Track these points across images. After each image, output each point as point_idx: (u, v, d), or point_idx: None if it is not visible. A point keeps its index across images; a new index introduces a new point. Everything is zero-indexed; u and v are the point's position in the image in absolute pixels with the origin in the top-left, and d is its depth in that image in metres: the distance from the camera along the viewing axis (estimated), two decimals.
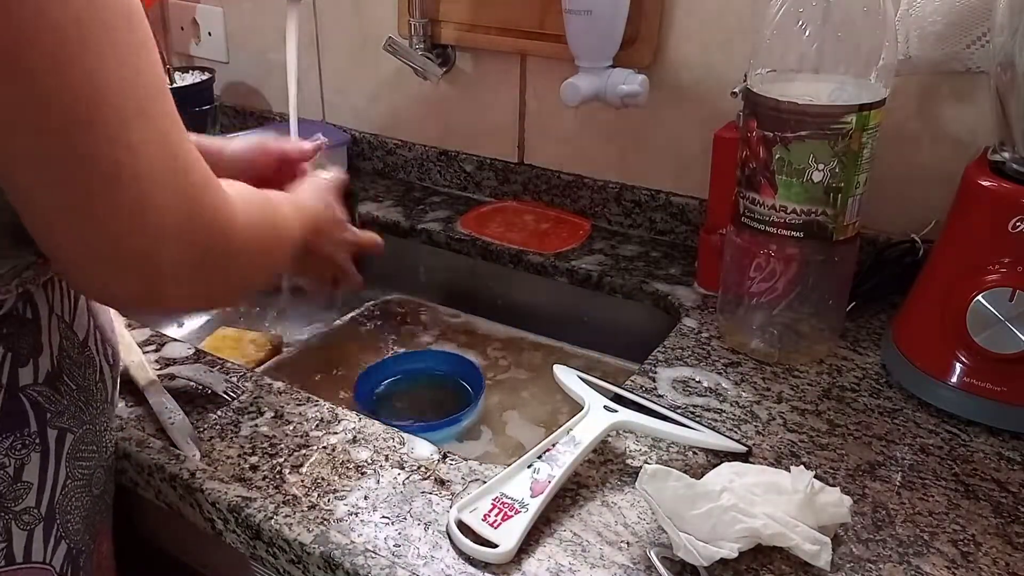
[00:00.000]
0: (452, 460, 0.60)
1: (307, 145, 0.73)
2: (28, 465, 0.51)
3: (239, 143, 0.70)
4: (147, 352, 0.73)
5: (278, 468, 0.59)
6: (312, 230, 0.62)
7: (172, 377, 0.70)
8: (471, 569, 0.51)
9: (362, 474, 0.59)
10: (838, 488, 0.54)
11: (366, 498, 0.57)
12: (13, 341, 0.49)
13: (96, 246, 0.40)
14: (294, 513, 0.55)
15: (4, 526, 0.50)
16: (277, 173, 0.70)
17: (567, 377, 0.66)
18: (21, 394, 0.50)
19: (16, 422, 0.50)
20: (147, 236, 0.40)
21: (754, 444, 0.62)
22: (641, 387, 0.69)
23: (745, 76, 0.69)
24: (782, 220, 0.68)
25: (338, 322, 1.00)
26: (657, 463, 0.59)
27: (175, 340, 0.76)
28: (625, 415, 0.60)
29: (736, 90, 0.74)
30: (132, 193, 0.39)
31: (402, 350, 0.94)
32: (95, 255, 0.41)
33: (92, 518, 0.57)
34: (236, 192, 0.47)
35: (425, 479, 0.58)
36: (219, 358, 0.73)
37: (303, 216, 0.60)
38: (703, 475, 0.54)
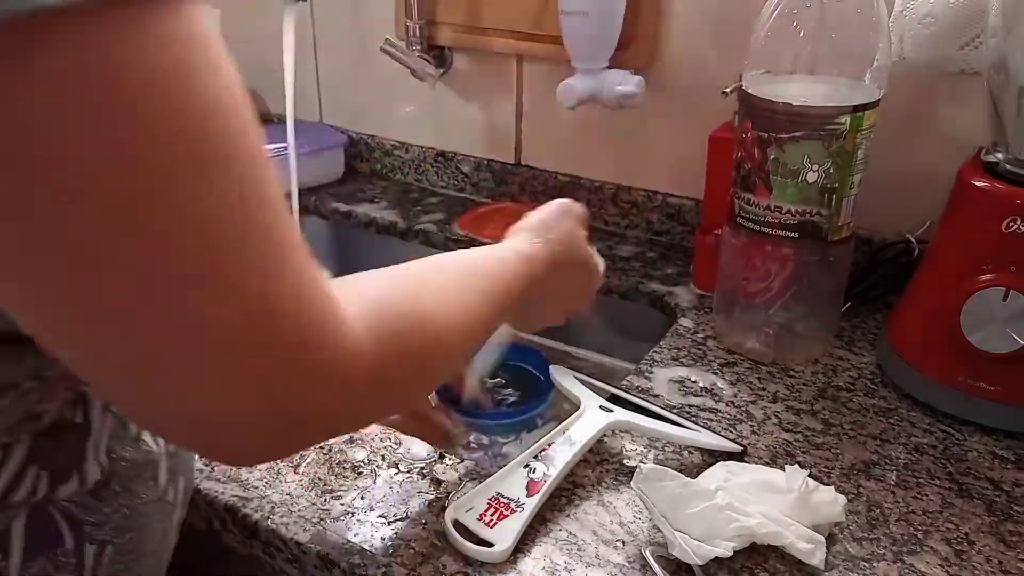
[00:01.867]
0: (448, 460, 0.60)
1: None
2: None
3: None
4: None
5: (275, 468, 0.59)
6: (551, 267, 0.53)
7: None
8: (467, 568, 0.51)
9: (359, 474, 0.59)
10: (832, 487, 0.55)
11: (362, 498, 0.57)
12: (53, 456, 0.40)
13: (152, 404, 0.32)
14: (291, 513, 0.55)
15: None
16: None
17: (563, 377, 0.66)
18: (52, 506, 0.40)
19: (47, 540, 0.41)
20: (219, 417, 0.31)
21: (749, 443, 0.62)
22: (637, 387, 0.69)
23: (740, 77, 0.69)
24: (777, 220, 0.68)
25: None
26: (653, 463, 0.60)
27: None
28: (621, 415, 0.61)
29: (727, 90, 0.75)
30: (191, 366, 0.29)
31: None
32: (152, 413, 0.32)
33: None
34: (373, 308, 0.36)
35: (421, 478, 0.59)
36: None
37: (533, 263, 0.51)
38: (698, 474, 0.55)
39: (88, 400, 0.41)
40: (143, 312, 0.28)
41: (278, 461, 0.60)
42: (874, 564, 0.52)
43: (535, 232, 0.57)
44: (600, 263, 0.63)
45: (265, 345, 0.30)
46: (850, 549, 0.53)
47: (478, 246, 0.94)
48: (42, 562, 0.40)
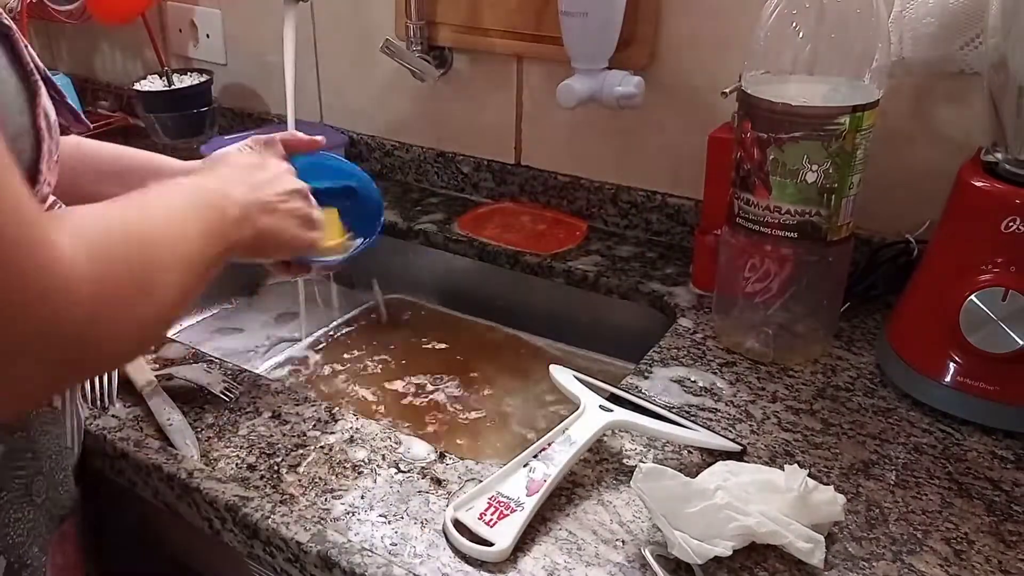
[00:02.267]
0: (449, 459, 0.60)
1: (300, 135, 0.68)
2: None
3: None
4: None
5: (275, 468, 0.60)
6: (241, 222, 0.54)
7: (170, 377, 0.70)
8: (467, 567, 0.51)
9: (359, 473, 0.59)
10: (832, 487, 0.55)
11: (363, 497, 0.57)
12: None
13: None
14: (291, 512, 0.55)
15: None
16: None
17: (563, 377, 0.66)
18: None
19: None
20: None
21: (749, 443, 0.62)
22: (637, 387, 0.70)
23: (740, 77, 0.69)
24: (776, 221, 0.68)
25: (335, 322, 1.00)
26: (652, 462, 0.60)
27: (174, 341, 0.76)
28: (621, 414, 0.61)
29: (727, 90, 0.75)
30: None
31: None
32: None
33: (38, 529, 0.53)
34: (89, 232, 0.38)
35: (422, 478, 0.59)
36: (217, 358, 0.74)
37: (222, 215, 0.52)
38: (698, 474, 0.55)
39: None
40: None
41: (276, 461, 0.60)
42: (873, 564, 0.52)
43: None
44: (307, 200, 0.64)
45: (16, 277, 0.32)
46: (849, 548, 0.53)
47: (478, 247, 0.94)
48: None
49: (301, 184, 0.64)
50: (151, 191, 0.48)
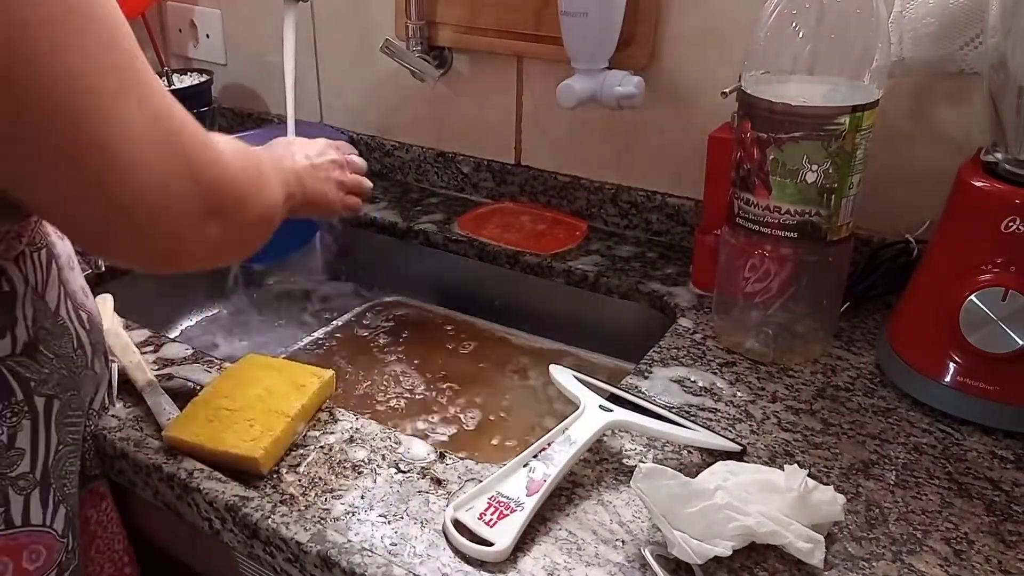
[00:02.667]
0: (449, 459, 0.60)
1: None
2: (20, 432, 0.53)
3: None
4: (145, 352, 0.73)
5: (275, 468, 0.60)
6: (296, 182, 0.66)
7: (170, 377, 0.70)
8: (467, 567, 0.51)
9: (359, 473, 0.59)
10: (832, 487, 0.55)
11: (363, 497, 0.57)
12: None
13: (110, 218, 0.43)
14: (291, 512, 0.55)
15: (1, 492, 0.53)
16: None
17: (563, 377, 0.66)
18: (1, 365, 0.52)
19: (1, 392, 0.52)
20: (153, 195, 0.43)
21: (748, 443, 0.62)
22: (636, 387, 0.70)
23: (740, 77, 0.69)
24: (776, 221, 0.68)
25: (337, 322, 1.00)
26: (652, 462, 0.60)
27: (173, 340, 0.76)
28: (620, 414, 0.61)
29: (727, 90, 0.75)
30: (126, 160, 0.41)
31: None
32: (112, 227, 0.44)
33: (78, 484, 0.60)
34: (224, 143, 0.50)
35: (422, 478, 0.59)
36: (217, 358, 0.74)
37: (281, 175, 0.62)
38: (698, 474, 0.55)
39: (9, 273, 0.53)
40: (60, 143, 0.40)
41: (278, 461, 0.60)
42: (873, 564, 0.52)
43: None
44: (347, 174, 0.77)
45: (166, 145, 0.44)
46: (849, 548, 0.53)
47: (478, 247, 0.95)
48: (1, 408, 0.52)
49: (339, 155, 0.77)
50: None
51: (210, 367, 0.72)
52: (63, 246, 0.61)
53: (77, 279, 0.61)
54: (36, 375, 0.54)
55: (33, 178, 0.42)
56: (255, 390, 0.64)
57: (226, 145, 0.50)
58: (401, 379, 0.89)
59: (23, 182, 0.43)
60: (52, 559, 0.56)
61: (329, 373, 0.68)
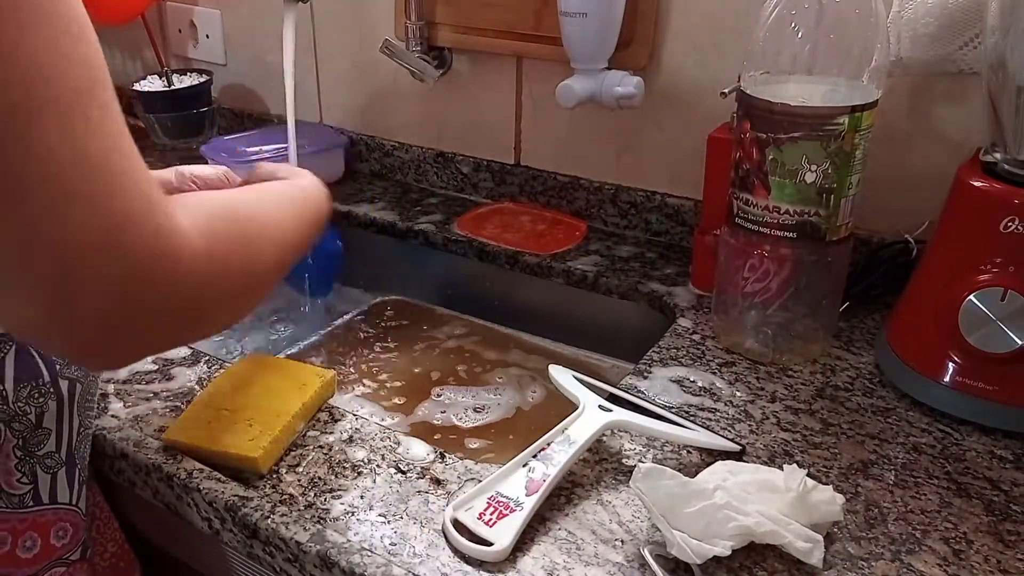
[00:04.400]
0: (448, 459, 0.61)
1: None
2: (47, 413, 0.55)
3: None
4: None
5: (275, 467, 0.60)
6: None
7: (170, 378, 0.70)
8: (467, 567, 0.51)
9: (358, 473, 0.59)
10: (831, 486, 0.55)
11: (362, 497, 0.57)
12: None
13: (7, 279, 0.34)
14: (290, 512, 0.55)
15: (30, 469, 0.55)
16: None
17: (562, 377, 0.66)
18: (29, 346, 0.53)
19: (31, 372, 0.53)
20: (57, 265, 0.33)
21: (748, 443, 0.62)
22: (636, 387, 0.70)
23: (739, 77, 0.69)
24: (775, 221, 0.68)
25: (337, 321, 1.00)
26: (651, 462, 0.60)
27: None
28: (620, 414, 0.61)
29: (726, 91, 0.75)
30: (38, 205, 0.32)
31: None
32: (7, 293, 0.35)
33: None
34: (204, 215, 0.40)
35: (421, 478, 0.59)
36: (217, 358, 0.74)
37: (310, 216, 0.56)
38: (697, 474, 0.55)
39: None
40: (21, 230, 0.32)
41: (277, 461, 0.60)
42: (872, 563, 0.52)
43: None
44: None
45: (120, 251, 0.34)
46: (848, 548, 0.53)
47: (477, 247, 0.94)
48: (30, 389, 0.53)
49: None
50: (244, 189, 0.53)
51: (210, 367, 0.72)
52: None
53: None
54: (61, 358, 0.55)
55: None
56: (255, 390, 0.64)
57: (208, 216, 0.40)
58: (401, 379, 0.89)
59: None
60: (77, 537, 0.58)
61: (330, 373, 0.68)
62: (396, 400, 0.85)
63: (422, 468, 0.60)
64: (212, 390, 0.64)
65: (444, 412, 0.83)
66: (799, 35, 0.64)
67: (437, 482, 0.58)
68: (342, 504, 0.56)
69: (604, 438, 0.63)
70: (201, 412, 0.62)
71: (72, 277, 0.34)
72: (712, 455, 0.60)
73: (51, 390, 0.55)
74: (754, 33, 0.67)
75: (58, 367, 0.55)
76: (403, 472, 0.59)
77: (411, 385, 0.88)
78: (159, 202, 0.36)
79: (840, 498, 0.54)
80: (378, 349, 0.95)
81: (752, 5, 0.68)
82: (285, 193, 0.55)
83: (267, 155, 1.07)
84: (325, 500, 0.57)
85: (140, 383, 0.69)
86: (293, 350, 0.94)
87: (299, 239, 0.52)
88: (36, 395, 0.54)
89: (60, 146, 0.32)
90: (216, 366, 0.72)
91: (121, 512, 0.68)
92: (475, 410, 0.83)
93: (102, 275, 0.34)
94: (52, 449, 0.55)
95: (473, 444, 0.78)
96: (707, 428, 0.63)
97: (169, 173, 0.62)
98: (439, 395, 0.86)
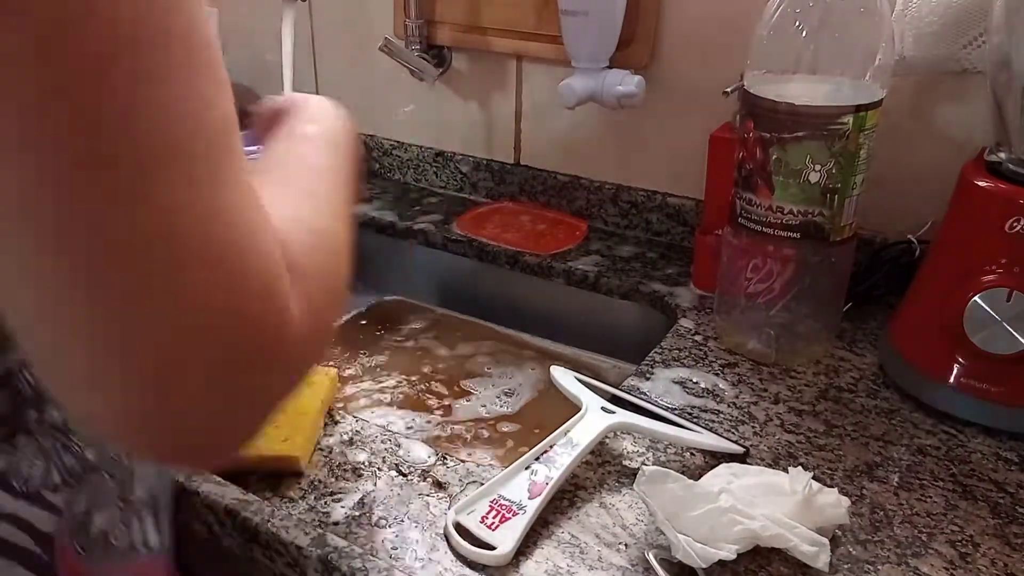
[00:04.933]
0: (450, 462, 0.60)
1: None
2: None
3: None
4: None
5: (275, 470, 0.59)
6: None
7: None
8: (469, 571, 0.50)
9: (359, 476, 0.59)
10: (836, 489, 0.54)
11: (363, 501, 0.56)
12: None
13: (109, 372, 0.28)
14: (291, 516, 0.55)
15: (126, 517, 0.51)
16: None
17: (564, 378, 0.66)
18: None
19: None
20: (163, 345, 0.28)
21: (752, 445, 0.62)
22: (638, 388, 0.69)
23: (741, 76, 0.69)
24: (779, 221, 0.68)
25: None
26: (655, 464, 0.59)
27: None
28: (623, 416, 0.60)
29: (728, 90, 0.74)
30: (153, 270, 0.27)
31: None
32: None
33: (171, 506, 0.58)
34: (308, 249, 0.34)
35: (423, 481, 0.58)
36: None
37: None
38: (701, 476, 0.54)
39: None
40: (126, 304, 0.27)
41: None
42: (878, 567, 0.51)
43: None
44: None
45: (243, 320, 0.29)
46: (854, 552, 0.52)
47: (477, 247, 0.94)
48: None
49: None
50: (314, 186, 0.42)
51: None
52: None
53: None
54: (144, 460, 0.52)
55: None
56: None
57: (307, 278, 0.33)
58: (401, 380, 0.88)
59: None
60: None
61: (333, 371, 0.67)
62: (396, 401, 0.85)
63: (423, 471, 0.59)
64: None
65: (445, 413, 0.82)
66: (803, 34, 0.64)
67: (439, 485, 0.58)
68: (343, 507, 0.56)
69: (607, 440, 0.62)
70: None
71: (177, 360, 0.28)
72: (716, 457, 0.60)
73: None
74: (757, 32, 0.66)
75: None
76: (404, 475, 0.59)
77: (411, 385, 0.87)
78: (281, 267, 0.30)
79: (846, 501, 0.53)
80: (377, 349, 0.94)
81: (754, 4, 0.68)
82: (338, 162, 0.48)
83: None
84: (326, 503, 0.56)
85: None
86: None
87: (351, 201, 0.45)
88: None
89: (189, 201, 0.27)
90: None
91: None
92: (476, 411, 0.83)
93: (217, 357, 0.28)
94: (143, 496, 0.53)
95: (474, 446, 0.78)
96: (710, 430, 0.63)
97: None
98: (440, 396, 0.85)
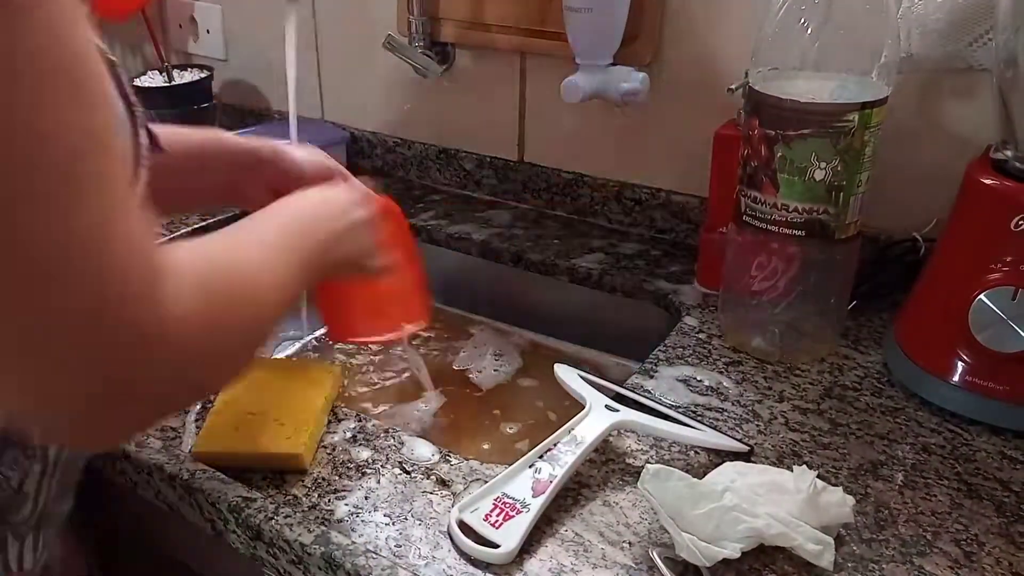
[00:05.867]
0: (453, 460, 0.60)
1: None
2: (29, 478, 0.50)
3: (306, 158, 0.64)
4: None
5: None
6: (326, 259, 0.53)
7: None
8: (472, 569, 0.50)
9: (363, 474, 0.59)
10: (840, 487, 0.54)
11: (367, 498, 0.56)
12: None
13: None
14: (295, 513, 0.55)
15: (1, 537, 0.50)
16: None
17: (568, 376, 0.66)
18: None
19: (23, 437, 0.49)
20: (41, 349, 0.32)
21: (756, 443, 0.62)
22: (642, 386, 0.69)
23: (746, 73, 0.69)
24: (784, 219, 0.67)
25: None
26: (659, 462, 0.59)
27: None
28: (626, 414, 0.60)
29: (733, 87, 0.74)
30: (20, 286, 0.31)
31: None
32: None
33: (65, 524, 0.57)
34: (196, 277, 0.37)
35: (426, 479, 0.58)
36: None
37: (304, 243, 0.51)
38: (705, 475, 0.54)
39: None
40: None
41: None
42: (883, 565, 0.51)
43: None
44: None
45: (104, 331, 0.32)
46: (858, 550, 0.52)
47: (480, 244, 0.93)
48: (15, 453, 0.48)
49: (370, 213, 0.60)
50: (247, 226, 0.48)
51: None
52: None
53: None
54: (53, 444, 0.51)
55: None
56: (272, 391, 0.64)
57: (194, 275, 0.37)
58: (404, 378, 0.88)
59: None
60: None
61: (336, 368, 0.67)
62: (399, 398, 0.85)
63: (427, 469, 0.59)
64: (226, 398, 0.64)
65: (448, 411, 0.82)
66: (808, 31, 0.64)
67: (442, 483, 0.58)
68: (346, 505, 0.56)
69: (611, 438, 0.62)
70: (224, 420, 0.61)
71: (56, 361, 0.32)
72: (720, 455, 0.60)
73: (38, 453, 0.50)
74: (763, 28, 0.66)
75: None
76: (408, 472, 0.59)
77: (413, 383, 0.87)
78: (148, 275, 0.34)
79: (850, 500, 0.53)
80: (379, 348, 0.94)
81: (760, 1, 0.67)
82: (302, 213, 0.52)
83: None
84: (329, 501, 0.56)
85: None
86: (295, 349, 0.93)
87: (299, 286, 0.48)
88: (22, 459, 0.49)
89: (46, 227, 0.30)
90: None
91: (122, 513, 0.68)
92: (479, 409, 0.82)
93: (87, 358, 0.33)
94: (26, 515, 0.51)
95: (478, 444, 0.78)
96: (715, 428, 0.63)
97: (267, 149, 0.61)
98: (443, 394, 0.85)
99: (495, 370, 0.89)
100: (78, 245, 0.31)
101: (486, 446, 0.78)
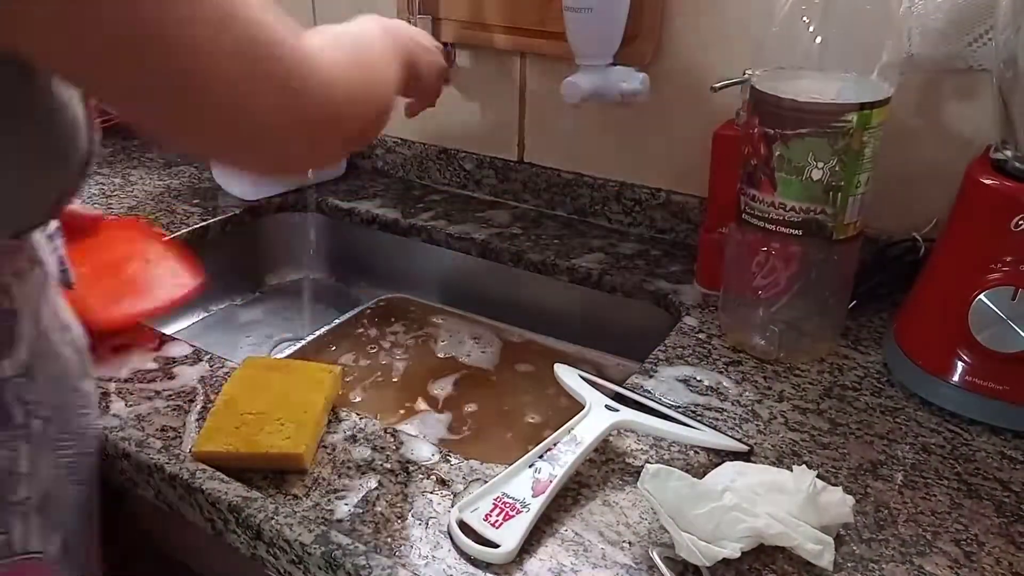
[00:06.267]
0: (453, 460, 0.60)
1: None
2: (20, 457, 0.51)
3: None
4: (146, 352, 0.73)
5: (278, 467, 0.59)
6: (410, 61, 0.67)
7: (172, 376, 0.69)
8: (472, 569, 0.50)
9: (363, 474, 0.59)
10: (840, 487, 0.54)
11: (367, 498, 0.56)
12: None
13: (217, 145, 0.46)
14: (295, 513, 0.55)
15: (3, 518, 0.51)
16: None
17: (568, 376, 0.66)
18: (4, 386, 0.50)
19: (3, 416, 0.50)
20: (252, 123, 0.43)
21: (756, 443, 0.62)
22: (642, 386, 0.69)
23: (743, 73, 0.69)
24: (781, 218, 0.67)
25: (337, 321, 0.99)
26: (659, 462, 0.59)
27: (175, 339, 0.76)
28: (626, 414, 0.60)
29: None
30: (223, 99, 0.41)
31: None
32: (219, 149, 0.47)
33: (87, 509, 0.58)
34: (326, 44, 0.48)
35: (426, 478, 0.58)
36: (219, 356, 0.73)
37: (399, 48, 0.64)
38: (705, 474, 0.54)
39: (12, 291, 0.50)
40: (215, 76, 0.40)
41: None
42: (882, 565, 0.51)
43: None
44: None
45: (271, 65, 0.42)
46: (858, 550, 0.52)
47: (480, 244, 0.92)
48: (3, 435, 0.50)
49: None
50: (354, 33, 0.60)
51: (212, 365, 0.71)
52: (50, 263, 0.57)
53: (61, 299, 0.58)
54: (34, 397, 0.52)
55: (128, 99, 0.43)
56: (271, 391, 0.64)
57: (327, 52, 0.47)
58: (403, 377, 0.88)
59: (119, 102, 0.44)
60: None
61: (336, 368, 0.67)
62: (399, 398, 0.85)
63: (427, 468, 0.59)
64: (226, 398, 0.64)
65: (448, 410, 0.82)
66: (810, 30, 0.64)
67: (442, 483, 0.58)
68: (347, 505, 0.56)
69: (611, 438, 0.62)
70: (224, 420, 0.61)
71: (241, 97, 0.42)
72: (720, 455, 0.60)
73: (24, 432, 0.51)
74: (764, 28, 0.66)
75: (30, 406, 0.52)
76: (408, 472, 0.59)
77: (414, 383, 0.87)
78: (292, 29, 0.44)
79: (850, 499, 0.53)
80: (379, 347, 0.94)
81: (760, 1, 0.67)
82: (391, 37, 0.63)
83: None
84: (329, 501, 0.56)
85: (142, 382, 0.69)
86: (295, 348, 0.93)
87: (396, 74, 0.61)
88: (8, 439, 0.50)
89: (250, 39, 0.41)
90: (218, 364, 0.71)
91: (121, 512, 0.68)
92: (479, 409, 0.83)
93: (261, 88, 0.42)
94: (26, 495, 0.52)
95: (478, 443, 0.78)
96: (714, 428, 0.63)
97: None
98: (443, 393, 0.85)
99: (495, 370, 0.89)
100: (265, 53, 0.42)
101: (485, 445, 0.78)
